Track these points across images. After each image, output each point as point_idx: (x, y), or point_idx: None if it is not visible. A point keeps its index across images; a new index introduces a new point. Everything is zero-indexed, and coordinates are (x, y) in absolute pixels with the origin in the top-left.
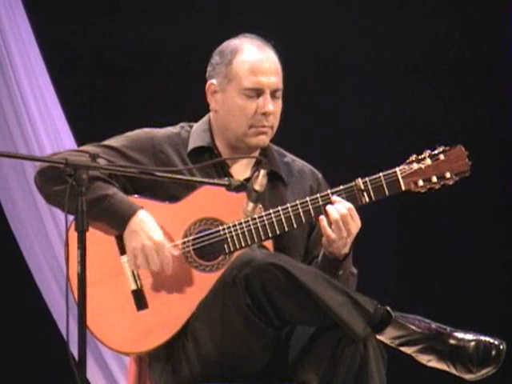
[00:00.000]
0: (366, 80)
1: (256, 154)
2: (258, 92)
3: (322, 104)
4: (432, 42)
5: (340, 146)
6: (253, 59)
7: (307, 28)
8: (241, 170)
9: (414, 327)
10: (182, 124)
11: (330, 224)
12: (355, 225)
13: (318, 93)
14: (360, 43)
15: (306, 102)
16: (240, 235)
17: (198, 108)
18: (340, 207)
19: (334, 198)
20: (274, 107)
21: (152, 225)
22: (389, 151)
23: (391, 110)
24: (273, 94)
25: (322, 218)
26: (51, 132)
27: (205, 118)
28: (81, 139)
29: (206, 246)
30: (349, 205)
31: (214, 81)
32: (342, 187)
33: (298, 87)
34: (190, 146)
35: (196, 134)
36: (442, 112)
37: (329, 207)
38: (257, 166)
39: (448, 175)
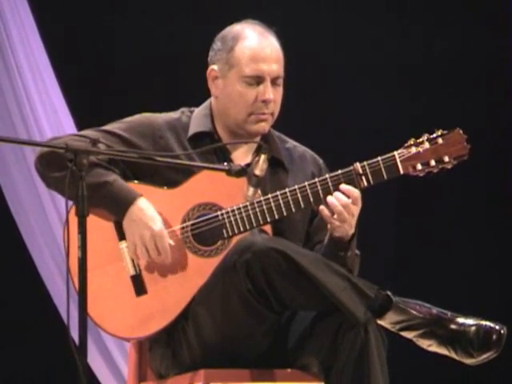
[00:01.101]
0: (367, 69)
1: (257, 139)
2: (258, 79)
3: (322, 90)
4: (433, 40)
5: (339, 131)
6: (254, 46)
7: (309, 24)
8: (241, 155)
9: (414, 312)
10: (182, 109)
11: (332, 214)
12: (357, 208)
13: (318, 79)
14: (365, 35)
15: (306, 88)
16: (238, 220)
17: (199, 94)
18: (341, 197)
19: (342, 186)
20: (274, 95)
21: (151, 213)
22: (386, 137)
23: (390, 97)
24: (274, 82)
25: (323, 208)
26: (52, 117)
27: (206, 103)
28: (81, 125)
29: (204, 231)
30: (355, 195)
31: (215, 66)
32: (340, 172)
33: (299, 74)
34: (191, 131)
35: (197, 119)
36: (440, 101)
37: (330, 200)
38: (257, 151)
39: (446, 159)
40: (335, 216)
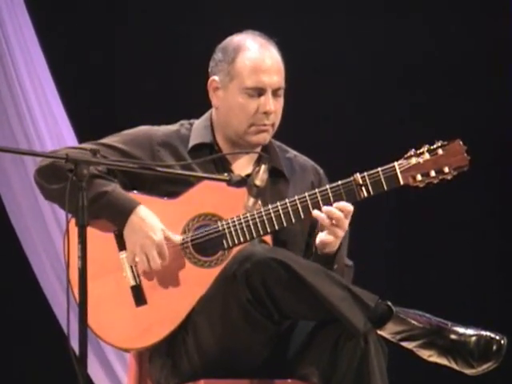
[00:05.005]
0: (366, 76)
1: (257, 150)
2: (259, 91)
3: (322, 100)
4: (432, 40)
5: (339, 142)
6: (255, 58)
7: (310, 29)
8: (242, 166)
9: (414, 322)
10: (181, 122)
11: (326, 231)
12: (347, 221)
13: (318, 89)
14: (362, 40)
15: (306, 98)
16: (238, 231)
17: (200, 104)
18: (334, 212)
19: (338, 203)
20: (275, 106)
21: (151, 222)
22: (387, 147)
23: (391, 106)
24: (274, 93)
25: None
26: (52, 127)
27: (206, 115)
28: (81, 134)
29: (204, 242)
30: (348, 209)
31: (216, 77)
32: (340, 182)
33: (299, 83)
34: (191, 143)
35: (197, 130)
36: (442, 109)
37: (321, 218)
38: (258, 162)
39: (446, 170)
40: (327, 231)
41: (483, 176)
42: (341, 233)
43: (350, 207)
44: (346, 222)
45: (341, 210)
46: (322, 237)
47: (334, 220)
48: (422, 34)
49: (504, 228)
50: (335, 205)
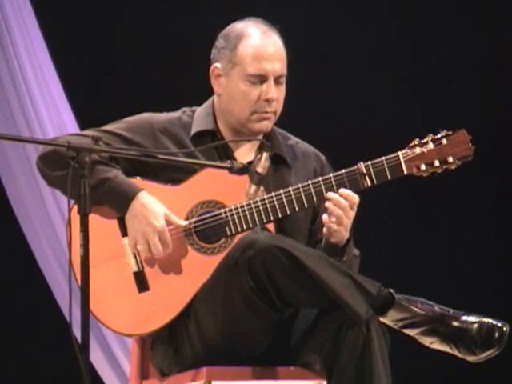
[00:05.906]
0: (370, 67)
1: (259, 137)
2: (261, 78)
3: (326, 88)
4: (432, 40)
5: (343, 130)
6: (257, 45)
7: (312, 24)
8: (244, 153)
9: (416, 309)
10: (183, 109)
11: (332, 219)
12: (354, 212)
13: (321, 77)
14: (364, 33)
15: (310, 86)
16: (242, 218)
17: (201, 92)
18: (341, 201)
19: (343, 191)
20: (277, 93)
21: (154, 209)
22: (391, 136)
23: (394, 96)
24: (276, 80)
25: (324, 216)
26: (53, 114)
27: (208, 102)
28: (82, 121)
29: (207, 229)
30: (355, 200)
31: (218, 64)
32: (344, 171)
33: (303, 72)
34: (193, 130)
35: (199, 118)
36: (442, 109)
37: (330, 205)
38: (260, 149)
39: (450, 159)
40: (333, 219)
41: (483, 172)
42: (346, 221)
43: (356, 198)
44: (352, 212)
45: (345, 199)
46: (327, 223)
47: (339, 208)
48: (422, 34)
49: (506, 216)
50: (340, 191)
